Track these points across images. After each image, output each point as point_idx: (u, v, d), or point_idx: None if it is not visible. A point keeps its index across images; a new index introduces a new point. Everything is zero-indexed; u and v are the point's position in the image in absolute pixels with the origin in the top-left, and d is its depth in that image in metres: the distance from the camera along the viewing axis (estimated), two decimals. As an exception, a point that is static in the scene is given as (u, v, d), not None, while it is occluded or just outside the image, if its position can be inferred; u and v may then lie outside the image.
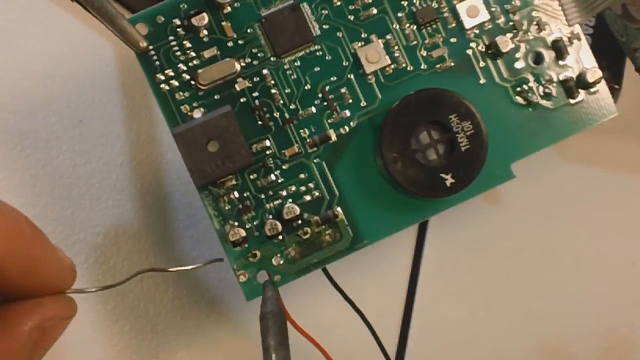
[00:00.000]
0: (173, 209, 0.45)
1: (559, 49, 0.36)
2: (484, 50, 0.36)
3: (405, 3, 0.36)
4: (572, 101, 0.36)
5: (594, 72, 0.36)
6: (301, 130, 0.35)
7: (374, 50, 0.36)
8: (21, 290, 0.25)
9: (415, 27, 0.36)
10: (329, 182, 0.36)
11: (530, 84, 0.36)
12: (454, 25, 0.36)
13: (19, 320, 0.25)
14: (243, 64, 0.35)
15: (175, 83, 0.35)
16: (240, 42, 0.35)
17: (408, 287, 0.47)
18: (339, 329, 0.42)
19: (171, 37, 0.35)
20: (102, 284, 0.43)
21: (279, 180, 0.35)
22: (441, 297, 0.47)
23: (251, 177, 0.35)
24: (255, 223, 0.35)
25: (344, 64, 0.36)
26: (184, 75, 0.35)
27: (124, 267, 0.44)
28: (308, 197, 0.36)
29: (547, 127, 0.36)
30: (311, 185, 0.36)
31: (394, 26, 0.36)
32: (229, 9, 0.35)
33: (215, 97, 0.35)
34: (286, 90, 0.35)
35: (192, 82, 0.35)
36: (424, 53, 0.36)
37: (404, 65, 0.36)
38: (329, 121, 0.36)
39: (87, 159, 0.44)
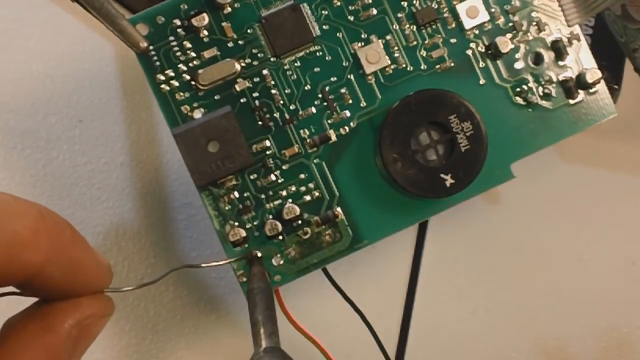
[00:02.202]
0: (173, 209, 0.45)
1: (559, 50, 0.36)
2: (483, 50, 0.36)
3: (405, 4, 0.36)
4: (571, 101, 0.36)
5: (593, 73, 0.36)
6: (301, 131, 0.35)
7: (374, 50, 0.36)
8: (62, 290, 0.26)
9: (415, 27, 0.36)
10: (328, 182, 0.36)
11: (530, 85, 0.36)
12: (453, 25, 0.36)
13: (60, 318, 0.26)
14: (243, 65, 0.35)
15: (176, 83, 0.35)
16: (240, 42, 0.35)
17: (408, 287, 0.47)
18: (339, 329, 0.42)
19: (171, 38, 0.35)
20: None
21: (279, 181, 0.35)
22: (441, 297, 0.47)
23: (251, 177, 0.35)
24: (255, 223, 0.35)
25: (344, 64, 0.36)
26: (184, 75, 0.35)
27: (124, 267, 0.44)
28: (308, 197, 0.36)
29: (547, 127, 0.36)
30: (311, 185, 0.36)
31: (394, 27, 0.36)
32: (229, 9, 0.35)
33: (216, 97, 0.35)
34: (286, 91, 0.35)
35: (193, 83, 0.35)
36: (424, 53, 0.36)
37: (403, 65, 0.36)
38: (329, 121, 0.36)
39: (87, 159, 0.44)
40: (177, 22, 0.35)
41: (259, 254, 0.35)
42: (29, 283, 0.25)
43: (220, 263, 0.35)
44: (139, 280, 0.44)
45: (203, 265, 0.34)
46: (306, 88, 0.36)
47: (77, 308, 0.26)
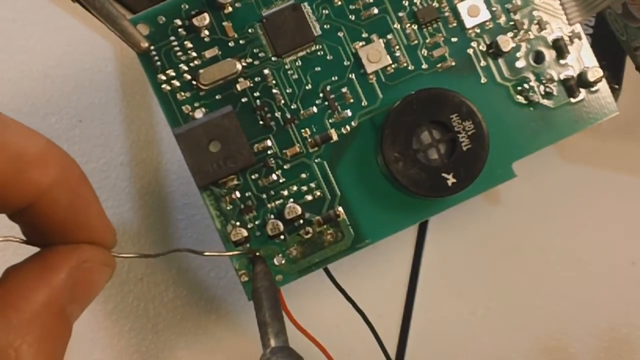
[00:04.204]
0: (173, 209, 0.45)
1: (560, 48, 0.36)
2: (484, 49, 0.36)
3: (406, 3, 0.36)
4: (572, 100, 0.36)
5: (594, 71, 0.36)
6: (302, 130, 0.35)
7: (375, 49, 0.36)
8: (64, 226, 0.26)
9: (416, 26, 0.36)
10: (330, 181, 0.36)
11: (531, 83, 0.36)
12: (454, 24, 0.36)
13: (60, 258, 0.26)
14: (244, 64, 0.35)
15: (177, 83, 0.35)
16: (241, 42, 0.35)
17: (408, 287, 0.47)
18: (339, 329, 0.42)
19: (172, 38, 0.35)
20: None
21: (281, 180, 0.35)
22: (441, 297, 0.47)
23: (253, 177, 0.35)
24: (256, 223, 0.35)
25: (345, 63, 0.36)
26: (185, 75, 0.35)
27: (124, 267, 0.44)
28: (309, 197, 0.36)
29: (548, 126, 0.36)
30: (312, 185, 0.36)
31: (395, 26, 0.36)
32: (230, 9, 0.35)
33: (217, 97, 0.35)
34: (287, 90, 0.35)
35: (194, 82, 0.35)
36: (425, 52, 0.36)
37: (405, 64, 0.36)
38: (330, 121, 0.36)
39: (87, 159, 0.44)
40: (178, 22, 0.35)
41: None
42: (33, 209, 0.24)
43: (223, 254, 0.35)
44: (139, 280, 0.44)
45: (206, 253, 0.33)
46: (307, 87, 0.36)
47: (77, 250, 0.26)
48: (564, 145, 0.44)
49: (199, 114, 0.35)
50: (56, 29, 0.45)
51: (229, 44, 0.35)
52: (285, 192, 0.35)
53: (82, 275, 0.26)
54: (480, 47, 0.36)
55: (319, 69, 0.36)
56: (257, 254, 0.35)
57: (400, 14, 0.36)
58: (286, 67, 0.35)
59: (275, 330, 0.31)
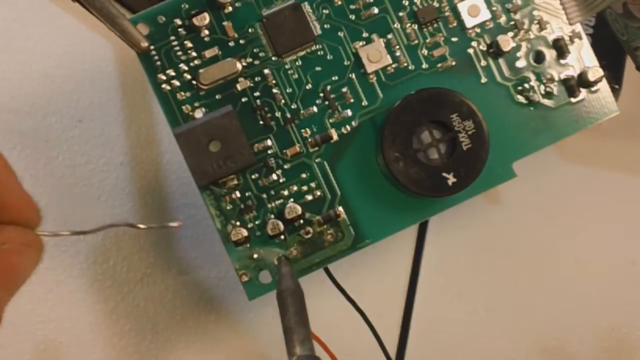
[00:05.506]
0: (173, 209, 0.45)
1: (560, 48, 0.36)
2: (485, 49, 0.36)
3: (407, 2, 0.36)
4: (573, 100, 0.36)
5: (595, 71, 0.36)
6: (303, 130, 0.35)
7: (375, 49, 0.36)
8: None
9: (416, 26, 0.36)
10: (330, 181, 0.36)
11: (532, 83, 0.36)
12: (455, 24, 0.36)
13: None
14: (244, 64, 0.35)
15: (177, 83, 0.35)
16: (241, 41, 0.35)
17: (408, 287, 0.47)
18: (339, 329, 0.42)
19: (172, 37, 0.35)
20: (102, 284, 0.43)
21: (281, 180, 0.35)
22: (441, 297, 0.47)
23: (253, 176, 0.35)
24: (257, 223, 0.35)
25: (345, 63, 0.36)
26: (185, 75, 0.35)
27: (124, 267, 0.44)
28: (310, 197, 0.36)
29: (549, 125, 0.36)
30: (313, 184, 0.36)
31: (395, 25, 0.36)
32: (230, 8, 0.35)
33: (217, 97, 0.35)
34: (287, 90, 0.35)
35: (194, 82, 0.35)
36: (425, 52, 0.36)
37: (405, 64, 0.36)
38: (331, 121, 0.36)
39: (87, 159, 0.44)
40: (178, 21, 0.35)
41: (287, 255, 0.35)
42: None
43: (153, 226, 0.34)
44: (139, 280, 0.44)
45: (140, 225, 0.33)
46: (307, 87, 0.36)
47: None
48: (564, 145, 0.44)
49: (199, 113, 0.35)
50: (56, 29, 0.45)
51: (229, 43, 0.35)
52: (286, 192, 0.35)
53: (3, 258, 0.25)
54: (481, 47, 0.36)
55: (319, 68, 0.36)
56: (284, 255, 0.35)
57: (401, 14, 0.36)
58: (286, 66, 0.35)
59: (302, 337, 0.30)
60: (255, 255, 0.35)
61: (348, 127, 0.36)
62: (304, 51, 0.36)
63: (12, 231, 0.26)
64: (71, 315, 0.44)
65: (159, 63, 0.35)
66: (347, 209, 0.36)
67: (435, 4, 0.36)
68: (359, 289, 0.41)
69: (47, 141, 0.44)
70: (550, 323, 0.47)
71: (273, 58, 0.35)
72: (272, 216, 0.35)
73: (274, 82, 0.35)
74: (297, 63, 0.36)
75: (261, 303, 0.36)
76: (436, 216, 0.37)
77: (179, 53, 0.35)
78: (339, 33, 0.36)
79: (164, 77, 0.35)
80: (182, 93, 0.35)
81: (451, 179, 0.34)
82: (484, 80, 0.36)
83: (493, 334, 0.47)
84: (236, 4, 0.35)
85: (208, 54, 0.35)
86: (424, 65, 0.36)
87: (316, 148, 0.36)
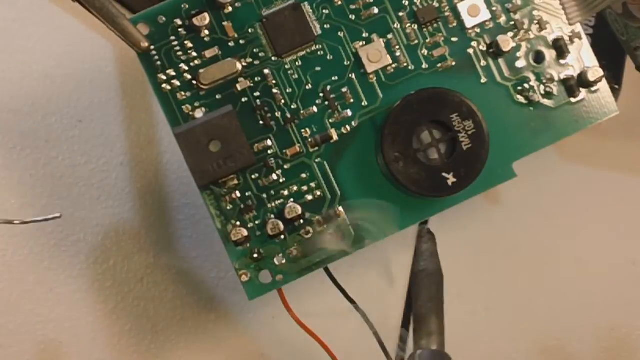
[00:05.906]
0: (173, 209, 0.45)
1: (560, 48, 0.36)
2: (485, 49, 0.36)
3: (407, 2, 0.36)
4: (573, 100, 0.36)
5: (595, 71, 0.36)
6: (303, 130, 0.35)
7: (375, 49, 0.36)
8: None
9: (416, 26, 0.36)
10: (330, 181, 0.36)
11: (532, 83, 0.36)
12: (455, 24, 0.36)
13: None
14: (244, 64, 0.35)
15: (177, 83, 0.35)
16: (241, 42, 0.35)
17: (408, 287, 0.47)
18: (340, 328, 0.42)
19: (173, 37, 0.35)
20: (102, 284, 0.43)
21: (281, 180, 0.35)
22: (441, 297, 0.47)
23: (253, 176, 0.35)
24: (257, 222, 0.35)
25: (345, 63, 0.36)
26: (185, 75, 0.35)
27: (124, 266, 0.44)
28: (310, 197, 0.36)
29: (549, 126, 0.36)
30: (313, 184, 0.36)
31: (395, 25, 0.36)
32: (230, 9, 0.35)
33: (217, 97, 0.35)
34: (287, 90, 0.35)
35: (194, 82, 0.35)
36: (425, 52, 0.36)
37: (405, 64, 0.36)
38: (331, 121, 0.36)
39: (87, 159, 0.44)
40: (178, 21, 0.35)
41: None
42: None
43: (36, 219, 0.33)
44: (139, 280, 0.44)
45: (15, 221, 0.32)
46: (307, 87, 0.35)
47: None
48: (564, 145, 0.44)
49: (199, 113, 0.35)
50: (56, 29, 0.45)
51: (229, 43, 0.35)
52: (286, 192, 0.35)
53: None
54: (481, 47, 0.36)
55: (319, 68, 0.36)
56: (428, 228, 0.32)
57: (401, 14, 0.36)
58: (286, 67, 0.35)
59: (431, 328, 0.28)
60: (255, 255, 0.35)
61: (348, 127, 0.36)
62: (304, 51, 0.36)
63: None
64: (71, 315, 0.44)
65: (159, 63, 0.35)
66: (347, 209, 0.36)
67: (435, 4, 0.36)
68: (359, 289, 0.41)
69: (47, 141, 0.44)
70: (550, 323, 0.47)
71: (273, 58, 0.35)
72: (272, 216, 0.35)
73: (274, 82, 0.35)
74: (297, 63, 0.36)
75: (261, 303, 0.37)
76: (436, 216, 0.37)
77: (179, 53, 0.35)
78: (339, 33, 0.36)
79: (164, 77, 0.35)
80: (182, 93, 0.35)
81: (451, 179, 0.34)
82: (484, 80, 0.36)
83: (493, 334, 0.47)
84: (236, 4, 0.35)
85: (208, 54, 0.35)
86: (424, 65, 0.36)
87: (316, 148, 0.36)
